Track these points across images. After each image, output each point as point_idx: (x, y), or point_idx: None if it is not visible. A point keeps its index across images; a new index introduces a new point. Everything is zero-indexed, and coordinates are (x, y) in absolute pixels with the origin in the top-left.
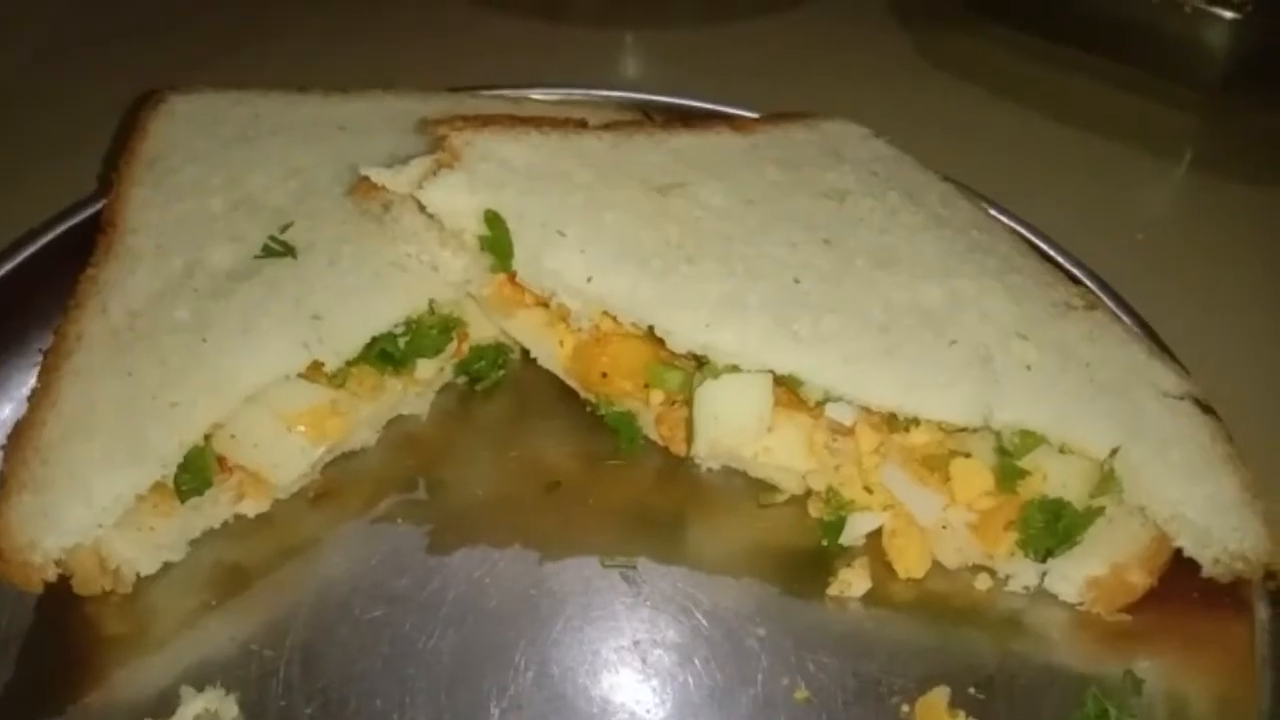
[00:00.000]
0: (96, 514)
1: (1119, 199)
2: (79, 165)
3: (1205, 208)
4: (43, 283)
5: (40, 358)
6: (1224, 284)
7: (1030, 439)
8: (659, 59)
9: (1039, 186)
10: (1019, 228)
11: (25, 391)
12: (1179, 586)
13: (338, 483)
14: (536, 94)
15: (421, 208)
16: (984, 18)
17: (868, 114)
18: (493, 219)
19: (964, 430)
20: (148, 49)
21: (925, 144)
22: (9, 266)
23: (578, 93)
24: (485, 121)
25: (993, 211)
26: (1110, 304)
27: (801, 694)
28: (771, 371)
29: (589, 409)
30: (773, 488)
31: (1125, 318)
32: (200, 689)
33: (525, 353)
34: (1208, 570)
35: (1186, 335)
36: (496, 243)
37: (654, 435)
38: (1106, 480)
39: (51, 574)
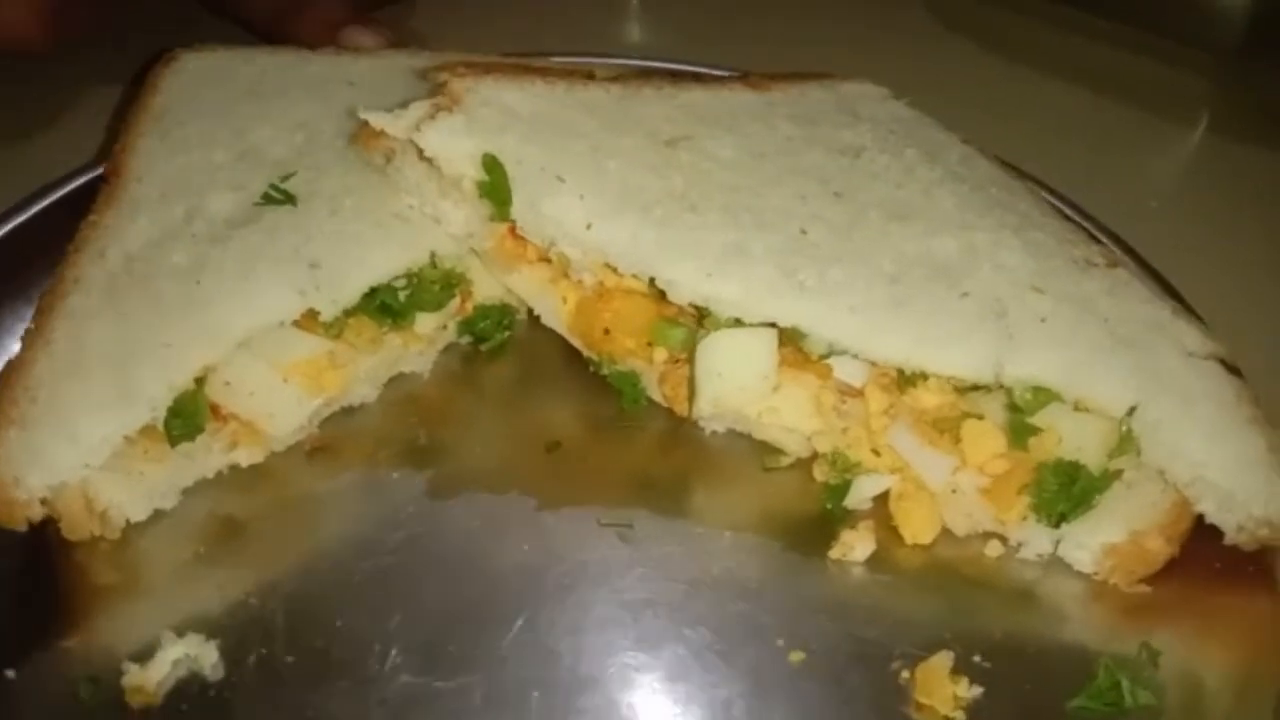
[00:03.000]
0: (82, 453)
1: (1134, 165)
2: (88, 128)
3: (1221, 173)
4: (48, 242)
5: None
6: (1240, 250)
7: (1043, 395)
8: (669, 24)
9: (1053, 152)
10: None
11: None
12: (1200, 556)
13: (336, 438)
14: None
15: (423, 157)
16: None
17: (881, 78)
18: (490, 163)
19: (975, 389)
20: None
21: (939, 108)
22: (16, 223)
23: (595, 61)
24: (489, 69)
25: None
26: (1134, 266)
27: (797, 656)
28: (775, 325)
29: (592, 369)
30: (778, 450)
31: (1149, 279)
32: (182, 635)
33: (532, 315)
34: (1231, 537)
35: (1202, 301)
36: (494, 188)
37: (657, 395)
38: (1124, 441)
39: (37, 513)
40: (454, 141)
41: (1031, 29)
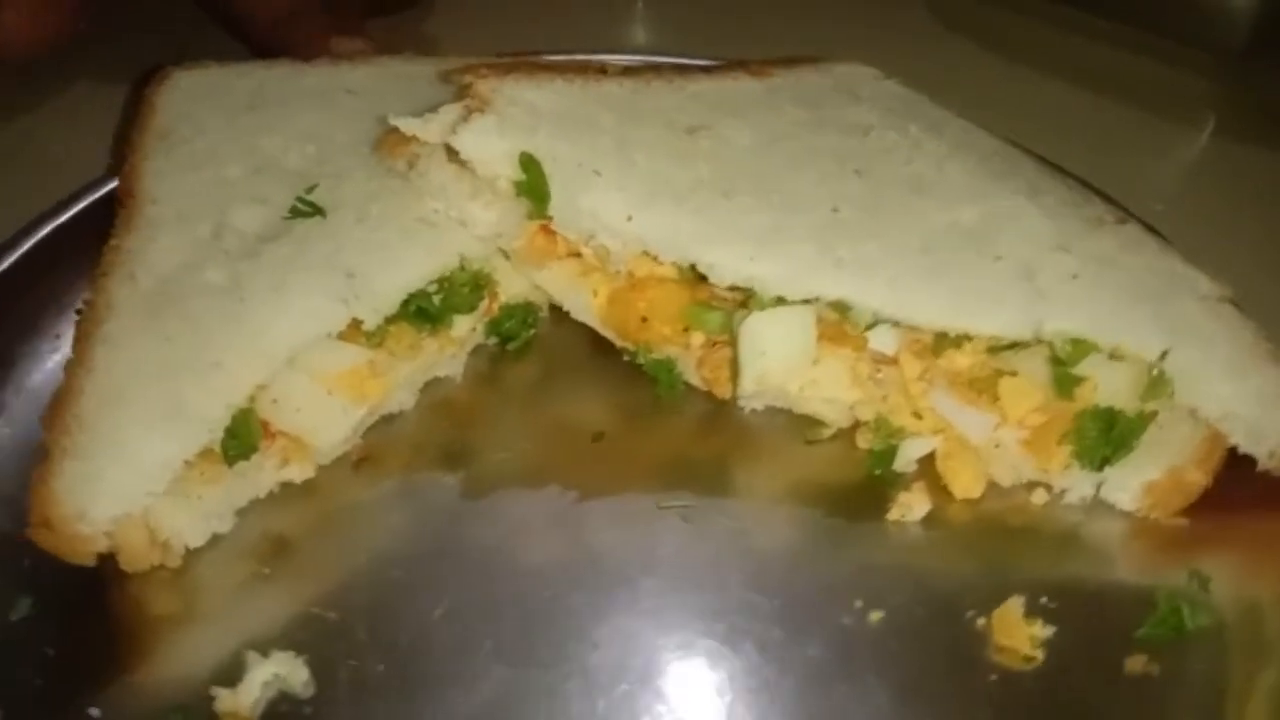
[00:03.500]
0: (143, 479)
1: (1138, 167)
2: (95, 132)
3: (1225, 175)
4: (57, 266)
5: (58, 341)
6: (1245, 252)
7: (1083, 347)
8: (671, 26)
9: (1056, 153)
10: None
11: (39, 376)
12: (1233, 486)
13: (380, 447)
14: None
15: (449, 160)
16: None
17: None
18: (528, 162)
19: (1009, 348)
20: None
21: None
22: (21, 251)
23: (594, 58)
24: (508, 69)
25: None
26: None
27: (877, 615)
28: (818, 299)
29: (627, 358)
30: (819, 423)
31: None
32: (266, 655)
33: (553, 311)
34: (1263, 464)
35: None
36: (532, 186)
37: (695, 380)
38: (1157, 384)
39: (103, 545)
40: (489, 142)
41: (1033, 29)
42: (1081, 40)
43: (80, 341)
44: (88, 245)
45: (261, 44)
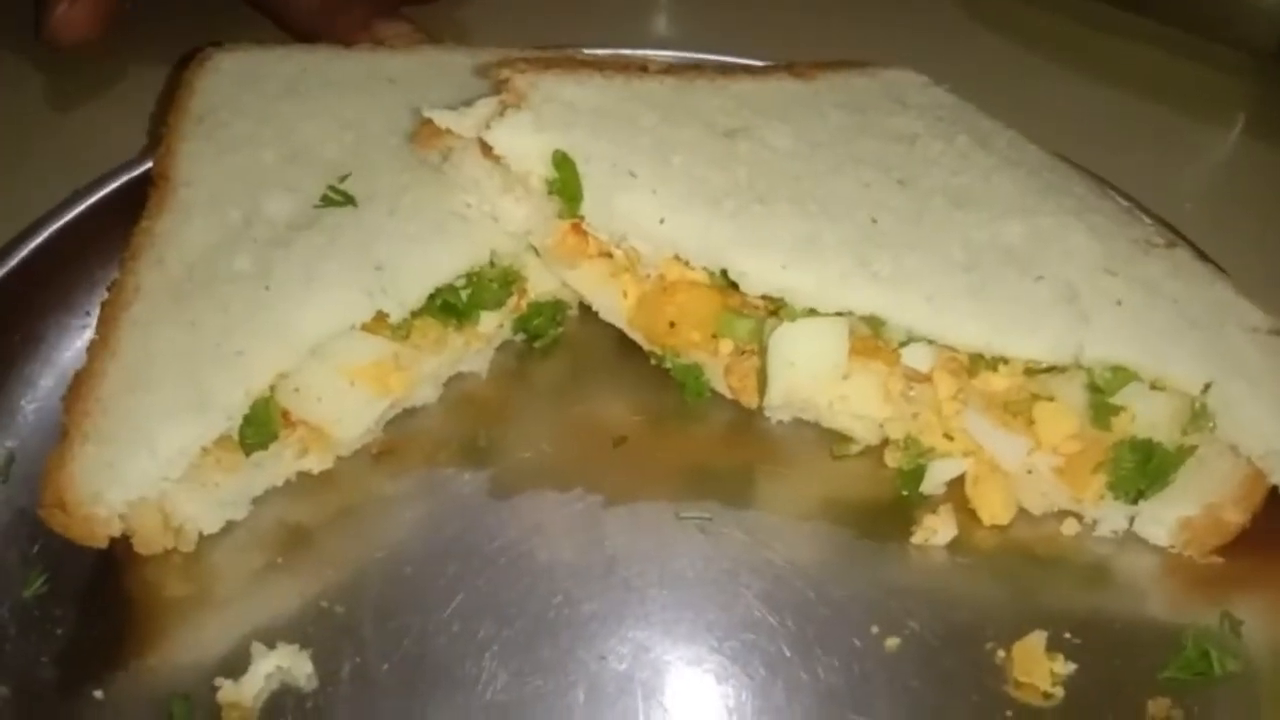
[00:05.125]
0: (161, 466)
1: (1169, 166)
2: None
3: (1257, 175)
4: (90, 244)
5: (88, 319)
6: (1274, 254)
7: (1123, 375)
8: (699, 20)
9: (1086, 152)
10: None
11: (69, 354)
12: (1273, 527)
13: (400, 441)
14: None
15: (483, 154)
16: None
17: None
18: (561, 160)
19: (1047, 372)
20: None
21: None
22: (56, 227)
23: (627, 54)
24: (548, 64)
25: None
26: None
27: (893, 641)
28: (851, 313)
29: (653, 362)
30: (846, 438)
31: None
32: (272, 646)
33: (582, 310)
34: None
35: None
36: (565, 185)
37: (722, 387)
38: (1198, 417)
39: (116, 529)
40: (523, 139)
41: (1064, 27)
42: (1110, 37)
43: (105, 324)
44: (122, 224)
45: (303, 28)
